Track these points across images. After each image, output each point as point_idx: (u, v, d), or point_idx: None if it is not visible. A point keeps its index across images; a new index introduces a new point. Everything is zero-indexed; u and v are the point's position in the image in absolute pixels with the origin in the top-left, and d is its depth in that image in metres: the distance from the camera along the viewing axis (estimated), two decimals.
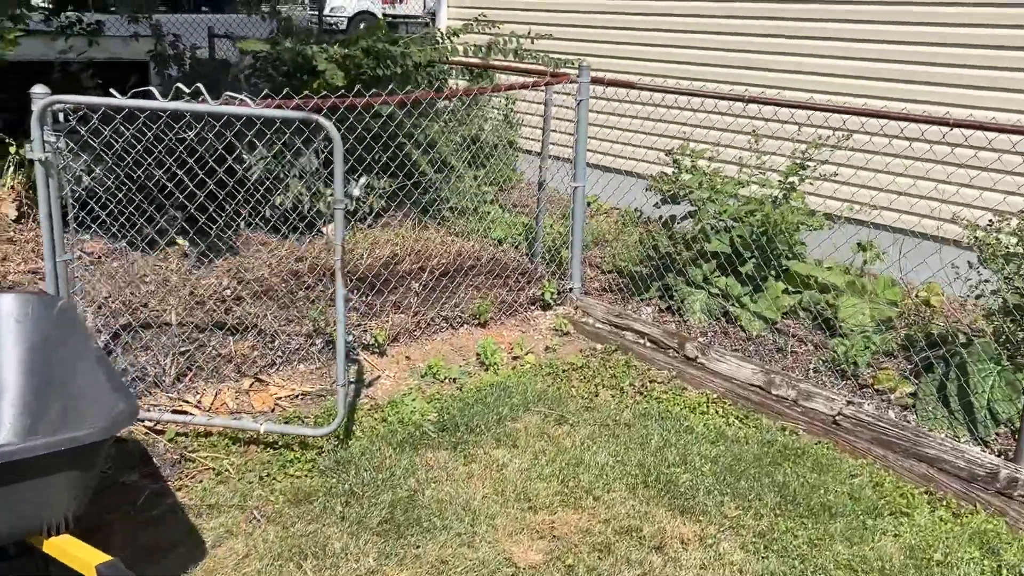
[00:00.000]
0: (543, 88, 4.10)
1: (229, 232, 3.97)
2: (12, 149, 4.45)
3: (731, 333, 3.84)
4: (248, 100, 2.59)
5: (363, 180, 2.92)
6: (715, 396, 3.33)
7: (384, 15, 18.53)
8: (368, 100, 3.30)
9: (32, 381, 2.04)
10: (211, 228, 3.55)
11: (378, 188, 5.04)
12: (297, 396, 3.19)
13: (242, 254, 4.43)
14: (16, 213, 4.18)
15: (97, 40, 5.21)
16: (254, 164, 4.18)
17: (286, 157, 4.37)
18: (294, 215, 4.20)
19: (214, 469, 2.65)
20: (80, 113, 2.66)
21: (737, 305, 3.83)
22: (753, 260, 3.78)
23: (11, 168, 4.39)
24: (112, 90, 2.52)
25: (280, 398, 3.16)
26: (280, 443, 2.82)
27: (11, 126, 4.94)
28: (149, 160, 3.26)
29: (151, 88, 2.65)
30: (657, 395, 3.36)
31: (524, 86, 4.09)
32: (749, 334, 3.75)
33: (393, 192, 5.02)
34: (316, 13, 13.67)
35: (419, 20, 17.36)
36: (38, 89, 2.47)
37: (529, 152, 6.29)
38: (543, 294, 4.20)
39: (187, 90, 2.55)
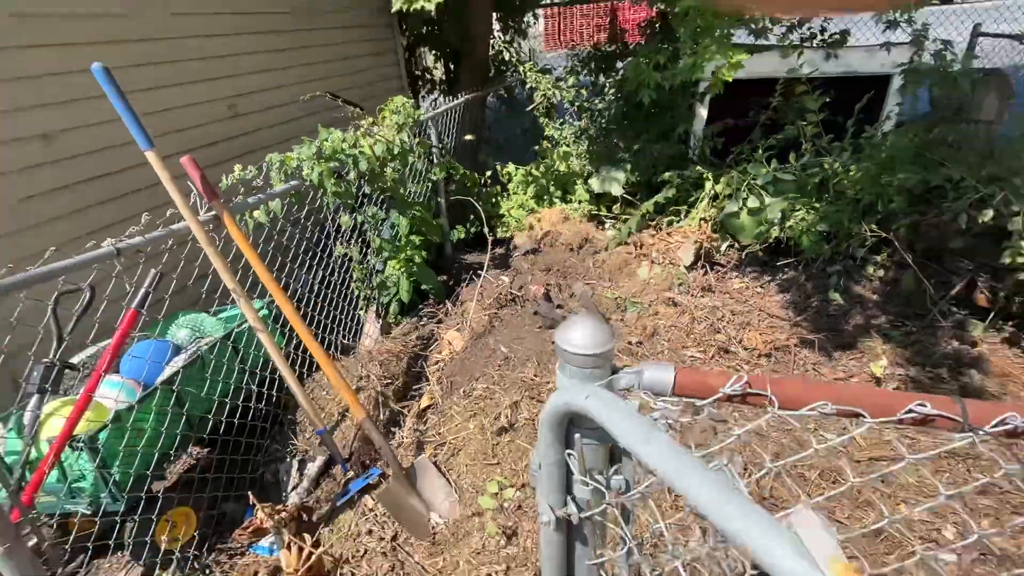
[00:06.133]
0: None
1: None
2: (708, 183, 3.64)
3: None
4: None
5: None
6: None
7: None
8: None
9: None
10: None
11: None
12: None
13: None
14: (692, 258, 3.34)
15: (835, 52, 3.87)
16: None
17: None
18: None
19: None
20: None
21: None
22: None
23: (704, 201, 3.60)
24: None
25: None
26: None
27: (719, 153, 4.19)
28: None
29: None
30: None
31: None
32: None
33: None
34: None
35: None
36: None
37: None
38: None
39: None
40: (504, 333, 3.09)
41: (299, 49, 4.48)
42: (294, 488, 2.44)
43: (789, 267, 3.46)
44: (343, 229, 3.32)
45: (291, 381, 2.27)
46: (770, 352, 2.79)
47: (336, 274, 3.34)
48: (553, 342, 2.88)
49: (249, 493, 2.16)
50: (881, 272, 3.27)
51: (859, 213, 3.25)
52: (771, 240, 3.44)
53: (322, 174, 2.75)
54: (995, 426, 0.68)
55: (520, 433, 2.43)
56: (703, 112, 4.11)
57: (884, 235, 3.20)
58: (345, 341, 3.32)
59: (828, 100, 3.61)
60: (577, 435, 0.75)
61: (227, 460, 2.43)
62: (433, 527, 2.20)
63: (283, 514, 2.20)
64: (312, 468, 2.46)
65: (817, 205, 3.31)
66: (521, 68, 5.76)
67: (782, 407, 0.74)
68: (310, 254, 3.27)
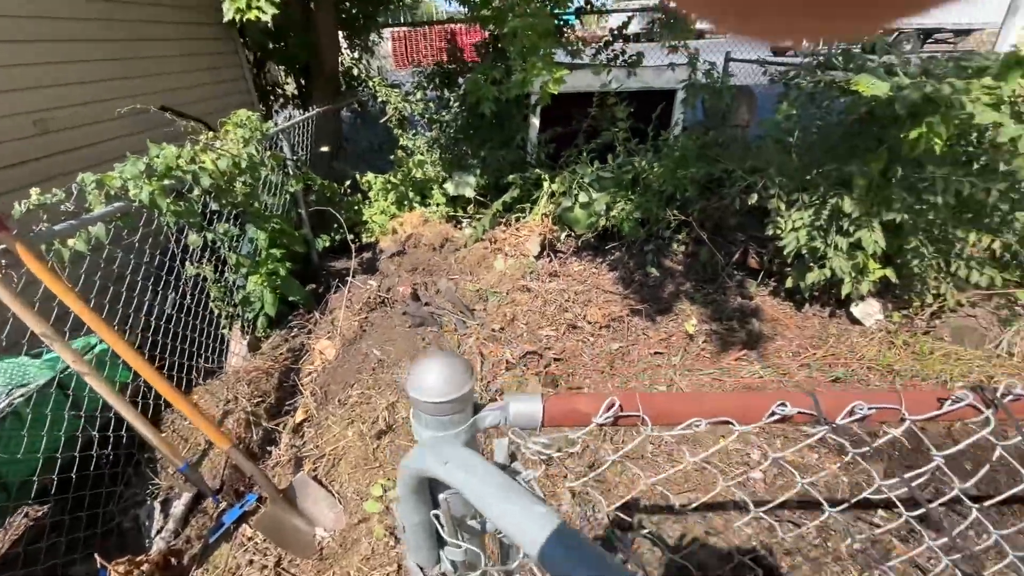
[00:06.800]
0: None
1: None
2: (546, 183, 3.62)
3: None
4: None
5: None
6: None
7: None
8: None
9: None
10: None
11: None
12: None
13: None
14: (539, 249, 3.32)
15: (635, 71, 4.06)
16: None
17: None
18: None
19: None
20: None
21: None
22: None
23: (544, 198, 3.57)
24: None
25: None
26: None
27: (553, 157, 4.20)
28: None
29: None
30: None
31: None
32: None
33: None
34: None
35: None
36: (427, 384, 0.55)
37: None
38: None
39: None
40: (375, 336, 2.80)
41: (128, 60, 3.63)
42: (159, 532, 1.96)
43: (615, 249, 3.56)
44: (192, 249, 2.75)
45: (134, 420, 1.78)
46: (609, 323, 2.83)
47: (190, 296, 2.76)
48: (425, 340, 2.61)
49: (96, 555, 1.66)
50: (683, 248, 3.49)
51: (664, 202, 3.43)
52: (600, 228, 3.50)
53: (153, 193, 2.20)
54: (845, 416, 0.59)
55: (399, 433, 2.20)
56: (536, 121, 4.08)
57: (683, 218, 3.40)
58: (209, 364, 2.76)
59: (633, 110, 3.75)
60: (442, 496, 0.55)
61: (67, 520, 1.86)
62: (319, 542, 1.90)
63: (144, 566, 1.73)
64: (178, 507, 2.00)
65: (632, 197, 3.43)
66: (371, 83, 5.33)
67: (655, 424, 0.59)
68: (152, 279, 2.65)
